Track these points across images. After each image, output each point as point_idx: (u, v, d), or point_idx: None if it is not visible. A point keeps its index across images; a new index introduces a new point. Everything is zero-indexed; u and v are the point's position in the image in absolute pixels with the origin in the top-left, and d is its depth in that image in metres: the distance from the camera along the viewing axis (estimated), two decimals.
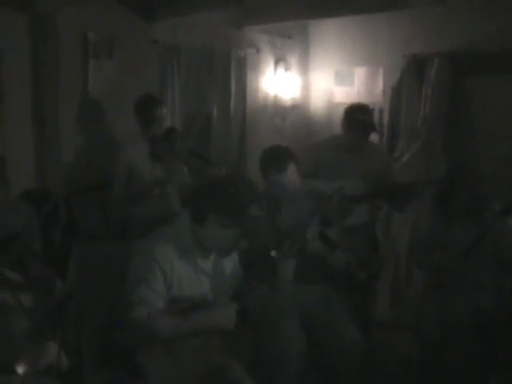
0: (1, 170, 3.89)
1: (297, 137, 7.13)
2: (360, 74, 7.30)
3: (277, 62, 7.48)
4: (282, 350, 3.49)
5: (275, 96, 7.55)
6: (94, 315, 3.30)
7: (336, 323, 3.73)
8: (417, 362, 4.36)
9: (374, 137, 6.04)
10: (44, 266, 3.81)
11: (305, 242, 3.23)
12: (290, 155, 3.97)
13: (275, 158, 3.95)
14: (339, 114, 5.06)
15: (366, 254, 4.75)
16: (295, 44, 7.64)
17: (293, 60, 7.65)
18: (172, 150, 4.81)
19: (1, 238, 3.54)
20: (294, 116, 7.71)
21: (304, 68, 7.79)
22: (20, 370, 1.78)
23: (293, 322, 3.61)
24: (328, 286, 4.00)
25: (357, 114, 4.88)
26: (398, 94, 6.73)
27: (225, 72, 6.84)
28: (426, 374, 4.25)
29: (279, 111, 7.57)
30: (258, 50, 7.22)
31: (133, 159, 4.91)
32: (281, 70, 7.52)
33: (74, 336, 3.45)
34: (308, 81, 7.84)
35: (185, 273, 2.97)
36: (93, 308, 3.29)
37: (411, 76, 6.60)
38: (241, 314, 2.98)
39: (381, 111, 7.00)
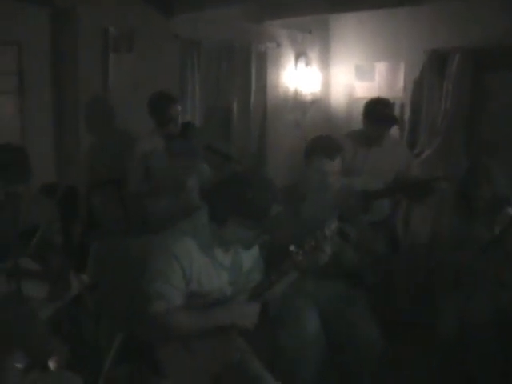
0: (23, 164, 3.89)
1: (317, 132, 7.03)
2: (381, 68, 7.26)
3: (297, 57, 7.47)
4: (302, 347, 3.47)
5: (295, 91, 7.54)
6: (112, 309, 3.30)
7: (356, 321, 3.71)
8: (435, 361, 4.32)
9: (394, 132, 6.04)
10: (64, 260, 3.82)
11: (325, 238, 3.20)
12: (340, 148, 3.94)
13: (327, 146, 3.91)
14: (360, 109, 5.05)
15: (385, 251, 4.74)
16: (316, 39, 7.62)
17: (313, 55, 7.63)
18: (189, 145, 4.80)
19: (22, 231, 3.55)
20: (315, 111, 7.69)
21: (325, 63, 7.77)
22: (52, 365, 1.78)
23: (313, 319, 3.59)
24: (348, 282, 3.97)
25: (378, 108, 4.86)
26: (419, 89, 6.70)
27: (245, 67, 6.83)
28: (445, 373, 4.21)
29: (299, 106, 7.56)
30: (279, 45, 7.20)
31: (149, 154, 4.90)
32: (301, 64, 7.50)
33: (92, 330, 3.47)
34: (328, 76, 7.82)
35: (204, 267, 2.95)
36: (111, 302, 3.30)
37: (432, 71, 6.56)
38: (261, 312, 2.97)
39: (402, 106, 6.97)
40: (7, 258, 3.12)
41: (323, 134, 4.19)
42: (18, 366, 1.74)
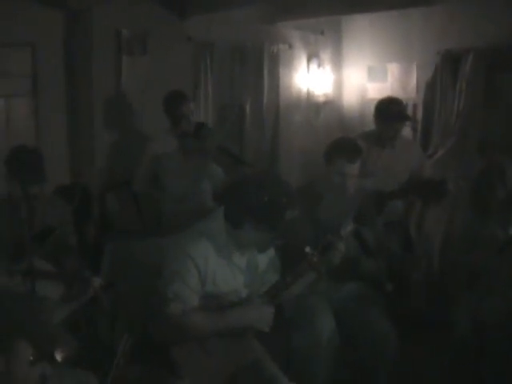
0: (38, 165, 3.91)
1: (330, 133, 7.08)
2: (393, 69, 7.25)
3: (310, 58, 7.46)
4: (316, 348, 3.47)
5: (308, 92, 7.54)
6: (127, 310, 3.31)
7: (370, 320, 3.70)
8: (449, 361, 4.30)
9: (407, 133, 6.03)
10: (78, 261, 3.84)
11: (341, 239, 3.21)
12: (361, 151, 3.94)
13: (349, 148, 3.92)
14: (372, 110, 5.04)
15: (398, 253, 4.72)
16: (328, 40, 7.61)
17: (326, 56, 7.62)
18: (202, 145, 4.81)
19: (37, 232, 3.56)
20: (327, 112, 7.69)
21: (337, 64, 7.76)
22: (59, 357, 1.79)
23: (328, 320, 3.59)
24: (362, 283, 3.97)
25: (390, 106, 4.87)
26: (432, 89, 6.68)
27: (258, 68, 6.84)
28: (457, 373, 4.19)
29: (312, 107, 7.56)
30: (291, 46, 7.21)
31: (161, 155, 4.91)
32: (314, 66, 7.49)
33: (108, 330, 3.48)
34: (341, 77, 7.81)
35: (219, 269, 2.95)
36: (126, 303, 3.31)
37: (445, 72, 6.55)
38: (276, 313, 2.98)
39: (414, 107, 6.96)
40: (22, 260, 3.13)
41: (346, 136, 4.21)
42: (25, 355, 1.75)
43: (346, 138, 4.19)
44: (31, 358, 1.74)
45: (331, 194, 3.90)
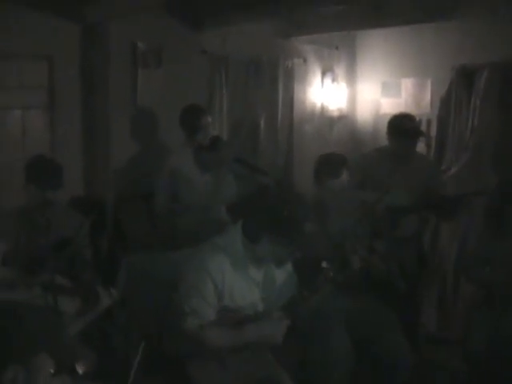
0: (57, 171, 3.95)
1: (343, 148, 7.07)
2: (407, 85, 7.24)
3: (324, 73, 7.48)
4: (330, 362, 3.46)
5: (322, 106, 7.54)
6: (142, 324, 3.31)
7: (384, 335, 3.69)
8: (464, 378, 4.27)
9: (421, 149, 6.02)
10: (93, 274, 3.85)
11: (356, 253, 3.21)
12: (345, 163, 3.97)
13: (331, 164, 3.96)
14: (385, 125, 5.03)
15: (413, 267, 4.71)
16: (342, 55, 7.63)
17: (340, 71, 7.63)
18: (218, 158, 4.82)
19: (53, 243, 3.57)
20: (341, 127, 7.69)
21: (351, 79, 7.77)
22: (80, 370, 1.79)
23: (342, 334, 3.58)
24: (375, 297, 3.95)
25: (403, 122, 4.86)
26: (446, 105, 6.66)
27: (272, 82, 6.86)
28: None
29: (326, 122, 7.56)
30: (305, 61, 7.22)
31: (179, 168, 4.92)
32: (328, 80, 7.50)
33: (122, 344, 3.47)
34: (355, 92, 7.82)
35: (236, 283, 2.95)
36: (141, 317, 3.30)
37: (460, 87, 6.53)
38: (291, 328, 2.97)
39: (428, 123, 6.94)
40: (40, 271, 3.14)
41: (326, 153, 4.23)
42: (46, 368, 1.75)
43: (327, 155, 4.21)
44: (52, 371, 1.74)
45: (332, 209, 3.92)
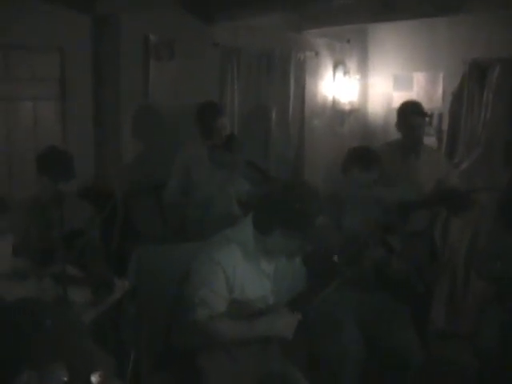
0: (69, 162, 3.97)
1: (354, 141, 7.07)
2: (419, 78, 7.21)
3: (335, 66, 7.46)
4: (341, 358, 3.45)
5: (333, 100, 7.54)
6: (152, 316, 3.31)
7: (395, 331, 3.68)
8: (474, 374, 4.26)
9: (432, 143, 6.00)
10: (104, 265, 3.85)
11: (368, 248, 3.20)
12: (378, 159, 3.95)
13: (364, 157, 3.93)
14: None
15: (425, 262, 4.70)
16: (354, 48, 7.61)
17: (351, 64, 7.62)
18: (232, 158, 4.78)
19: (65, 234, 3.58)
20: (352, 120, 7.68)
21: (363, 72, 7.75)
22: (95, 381, 1.77)
23: (354, 330, 3.57)
24: (387, 294, 3.94)
25: (408, 103, 4.91)
26: (458, 99, 6.63)
27: (284, 75, 6.86)
28: None
29: (337, 115, 7.55)
30: (317, 54, 7.21)
31: (192, 163, 4.91)
32: (339, 74, 7.49)
33: (131, 336, 3.48)
34: (366, 85, 7.80)
35: (247, 276, 2.95)
36: (152, 307, 3.31)
37: (472, 81, 6.49)
38: (301, 322, 2.96)
39: (440, 117, 6.92)
40: (51, 262, 3.15)
41: (361, 145, 4.20)
42: (60, 377, 1.74)
43: (362, 147, 4.19)
44: (65, 379, 1.73)
45: (353, 203, 3.90)
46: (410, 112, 4.83)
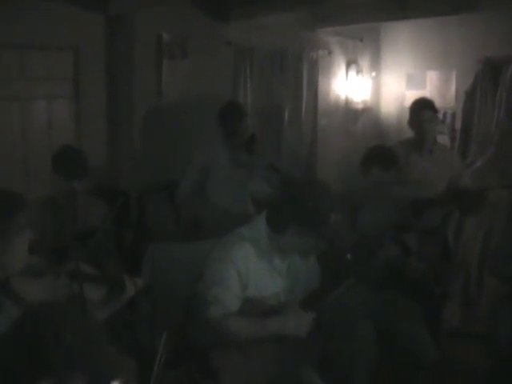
0: (83, 161, 3.99)
1: (367, 140, 7.06)
2: (432, 77, 7.21)
3: (348, 65, 7.47)
4: (354, 356, 3.45)
5: (346, 98, 7.54)
6: (166, 314, 3.32)
7: (409, 332, 3.66)
8: (487, 374, 4.24)
9: (444, 141, 5.99)
10: (118, 263, 3.87)
11: (381, 247, 3.20)
12: (396, 159, 3.95)
13: (384, 156, 3.94)
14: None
15: (438, 261, 4.69)
16: (367, 47, 7.61)
17: (364, 63, 7.62)
18: (251, 160, 4.77)
19: (79, 232, 3.60)
20: (365, 119, 7.68)
21: (375, 71, 7.74)
22: None
23: (368, 327, 3.56)
24: (400, 293, 3.94)
25: (418, 99, 4.89)
26: (471, 98, 6.62)
27: (297, 73, 6.87)
28: None
29: (350, 114, 7.56)
30: (330, 52, 7.22)
31: (210, 161, 4.90)
32: (352, 72, 7.49)
33: (146, 334, 3.50)
34: (379, 84, 7.79)
35: (261, 274, 2.96)
36: (165, 306, 3.32)
37: (486, 80, 6.48)
38: (314, 320, 2.97)
39: (453, 115, 6.91)
40: (66, 260, 3.16)
41: (379, 144, 4.20)
42: None
43: (381, 146, 4.19)
44: None
45: (369, 201, 3.90)
46: (420, 107, 4.82)
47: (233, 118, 4.90)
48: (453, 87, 7.03)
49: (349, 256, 3.01)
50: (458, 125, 6.83)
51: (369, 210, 3.88)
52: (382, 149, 4.11)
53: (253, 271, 2.93)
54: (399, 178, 4.64)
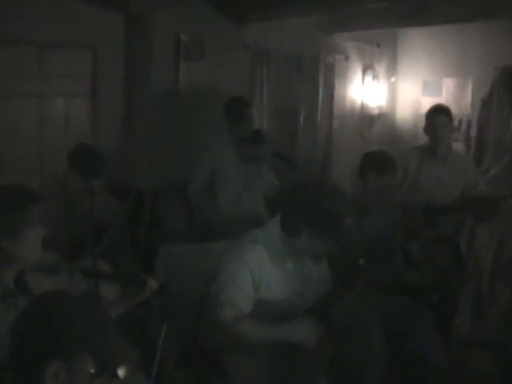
0: (101, 159, 4.01)
1: (382, 146, 7.03)
2: (449, 84, 7.19)
3: (365, 70, 7.46)
4: (366, 360, 3.45)
5: (362, 104, 7.53)
6: (178, 313, 3.33)
7: (419, 336, 3.66)
8: (497, 382, 4.23)
9: (459, 148, 5.98)
10: (131, 261, 3.89)
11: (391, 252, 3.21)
12: (391, 162, 3.95)
13: (377, 162, 3.94)
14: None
15: (448, 269, 4.68)
16: (383, 52, 7.60)
17: (381, 68, 7.61)
18: (258, 152, 4.83)
19: (93, 230, 3.62)
20: (380, 125, 7.67)
21: (392, 77, 7.73)
22: (121, 374, 1.81)
23: (377, 332, 3.56)
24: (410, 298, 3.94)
25: (434, 106, 4.90)
26: (487, 105, 6.60)
27: (313, 77, 6.89)
28: None
29: (365, 119, 7.55)
30: (347, 57, 7.22)
31: (218, 159, 4.94)
32: (368, 78, 7.49)
33: (157, 332, 3.51)
34: (395, 90, 7.78)
35: (274, 276, 2.97)
36: (178, 306, 3.33)
37: (502, 88, 6.46)
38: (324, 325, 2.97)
39: (469, 123, 6.89)
40: (81, 257, 3.18)
41: (376, 150, 4.20)
42: (87, 369, 1.77)
43: (376, 152, 4.18)
44: (93, 371, 1.77)
45: (373, 208, 3.91)
46: (435, 112, 4.82)
47: (237, 105, 4.98)
48: (469, 95, 7.01)
49: (361, 261, 3.01)
50: (474, 132, 6.81)
51: (374, 217, 3.88)
52: (378, 154, 4.11)
53: (265, 274, 2.94)
54: (413, 184, 4.66)
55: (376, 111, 7.60)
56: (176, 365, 3.23)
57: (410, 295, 3.94)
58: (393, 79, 7.69)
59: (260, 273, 2.91)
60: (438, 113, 4.81)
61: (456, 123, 6.37)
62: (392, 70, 7.74)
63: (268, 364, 2.98)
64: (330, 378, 3.17)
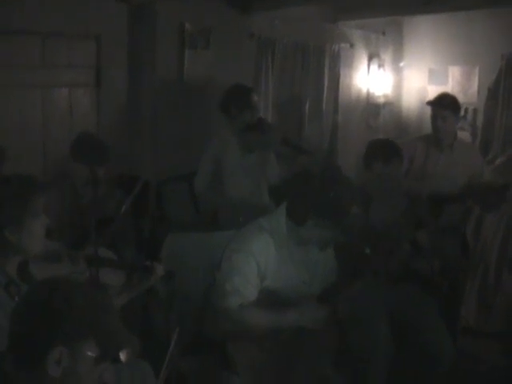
0: (104, 147, 4.01)
1: (387, 134, 7.04)
2: (454, 72, 7.15)
3: (370, 58, 7.44)
4: (371, 350, 3.44)
5: (367, 92, 7.51)
6: (184, 303, 3.33)
7: (427, 327, 3.64)
8: (503, 372, 4.22)
9: (465, 137, 5.95)
10: (136, 251, 3.89)
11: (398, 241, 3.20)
12: (397, 150, 3.94)
13: (383, 150, 3.93)
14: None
15: (455, 258, 4.66)
16: (389, 40, 7.57)
17: (386, 57, 7.58)
18: (263, 140, 4.81)
19: (97, 219, 3.61)
20: (386, 113, 7.65)
21: (397, 65, 7.70)
22: (123, 358, 1.81)
23: (383, 323, 3.55)
24: (417, 288, 3.92)
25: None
26: (494, 94, 6.57)
27: (318, 66, 6.87)
28: None
29: (371, 108, 7.53)
30: (352, 46, 7.20)
31: (222, 149, 4.92)
32: (374, 66, 7.46)
33: (162, 322, 3.51)
34: (401, 78, 7.75)
35: (280, 265, 2.96)
36: (183, 294, 3.33)
37: (509, 76, 6.43)
38: (331, 312, 2.97)
39: (475, 112, 6.86)
40: (84, 245, 3.18)
41: (381, 138, 4.19)
42: (90, 354, 1.78)
43: (381, 140, 4.18)
44: (94, 356, 1.77)
45: (377, 196, 3.89)
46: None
47: (241, 94, 4.95)
48: (475, 83, 6.97)
49: (367, 250, 3.00)
50: (480, 121, 6.78)
51: (380, 206, 3.86)
52: (383, 143, 4.10)
53: (271, 262, 2.93)
54: (419, 173, 4.64)
55: (382, 99, 7.58)
56: (181, 354, 3.23)
57: (418, 284, 3.93)
58: (401, 64, 7.65)
59: (266, 262, 2.91)
60: (438, 105, 4.80)
61: (462, 112, 6.34)
62: (398, 58, 7.71)
63: (274, 353, 2.98)
64: (336, 366, 3.17)
